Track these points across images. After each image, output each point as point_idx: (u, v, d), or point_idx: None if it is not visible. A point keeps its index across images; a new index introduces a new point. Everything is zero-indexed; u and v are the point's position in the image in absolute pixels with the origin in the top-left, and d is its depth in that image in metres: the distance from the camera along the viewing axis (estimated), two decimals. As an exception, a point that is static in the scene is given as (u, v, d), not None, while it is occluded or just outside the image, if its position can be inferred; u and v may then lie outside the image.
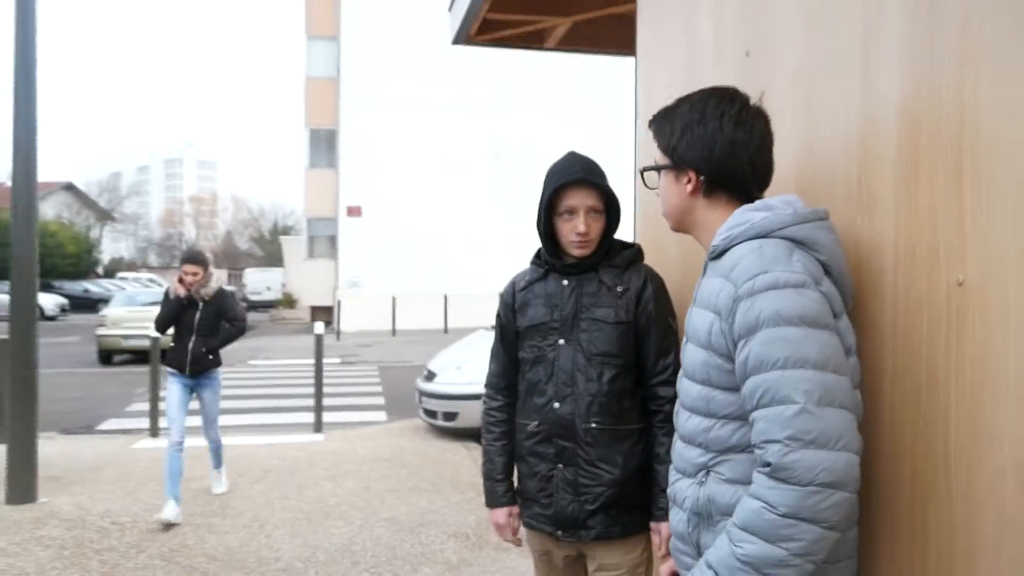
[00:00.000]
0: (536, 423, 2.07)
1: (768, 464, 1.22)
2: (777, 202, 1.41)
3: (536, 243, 2.18)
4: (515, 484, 2.20)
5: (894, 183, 1.36)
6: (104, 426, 9.37)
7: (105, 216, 55.52)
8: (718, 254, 1.41)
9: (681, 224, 1.56)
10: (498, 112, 24.24)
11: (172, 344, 5.45)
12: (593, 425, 1.98)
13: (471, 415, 7.62)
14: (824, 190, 1.56)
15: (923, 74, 1.29)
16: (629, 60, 3.62)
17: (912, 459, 1.32)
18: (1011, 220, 1.12)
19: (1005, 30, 1.14)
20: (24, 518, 5.26)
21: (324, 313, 26.22)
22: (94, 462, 6.96)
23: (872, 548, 1.42)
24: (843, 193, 1.50)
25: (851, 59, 1.46)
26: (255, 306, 36.14)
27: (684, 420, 1.48)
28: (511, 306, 2.18)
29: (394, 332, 22.28)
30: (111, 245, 65.45)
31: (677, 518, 1.49)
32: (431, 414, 8.02)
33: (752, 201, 1.45)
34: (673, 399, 1.63)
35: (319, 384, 8.50)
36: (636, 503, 2.01)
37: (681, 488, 1.48)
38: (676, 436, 1.52)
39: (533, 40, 4.47)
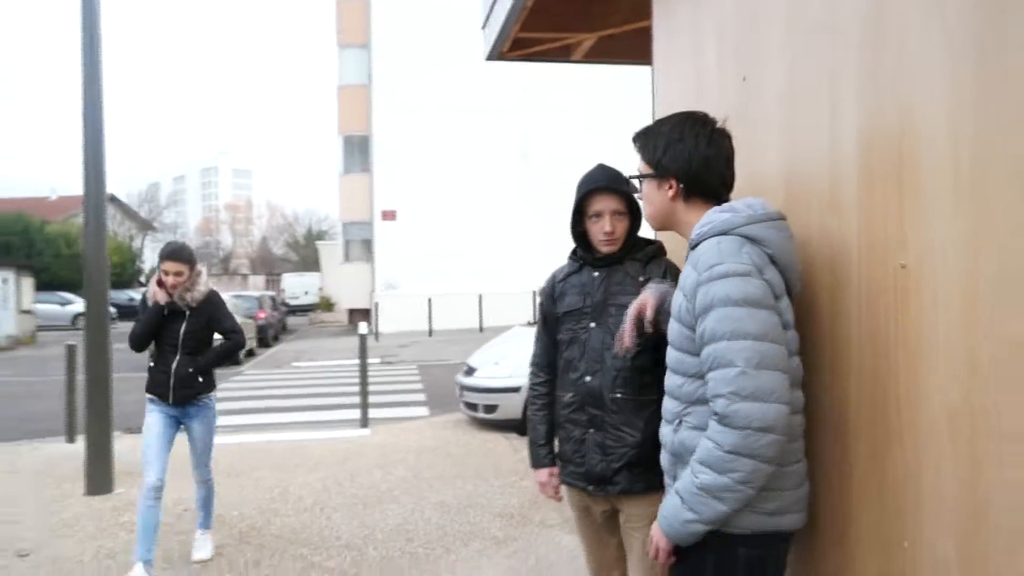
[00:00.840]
0: (571, 395, 2.42)
1: (716, 413, 1.60)
2: (740, 205, 1.77)
3: (565, 242, 2.54)
4: (555, 449, 2.57)
5: (856, 191, 1.69)
6: (163, 425, 9.91)
7: (146, 226, 56.99)
8: (693, 247, 1.77)
9: (663, 224, 1.93)
10: (526, 115, 24.61)
11: (151, 364, 4.37)
12: (618, 395, 2.33)
13: (510, 407, 8.01)
14: (804, 195, 1.90)
15: (872, 104, 1.62)
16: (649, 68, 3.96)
17: (873, 406, 1.66)
18: (936, 219, 1.45)
19: (929, 72, 1.47)
20: (104, 507, 5.75)
21: (361, 315, 26.77)
22: (159, 457, 7.45)
23: (846, 461, 1.76)
24: (818, 198, 1.84)
25: (820, 90, 1.80)
26: (294, 310, 36.98)
27: (667, 378, 1.86)
28: (551, 295, 2.55)
29: (430, 332, 22.77)
30: (151, 255, 67.17)
31: (663, 457, 1.88)
32: (472, 407, 8.41)
33: (721, 203, 1.81)
34: None
35: (364, 381, 8.94)
36: (655, 463, 2.36)
37: (665, 433, 1.86)
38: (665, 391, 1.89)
39: (560, 55, 4.82)
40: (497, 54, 4.75)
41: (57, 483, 6.53)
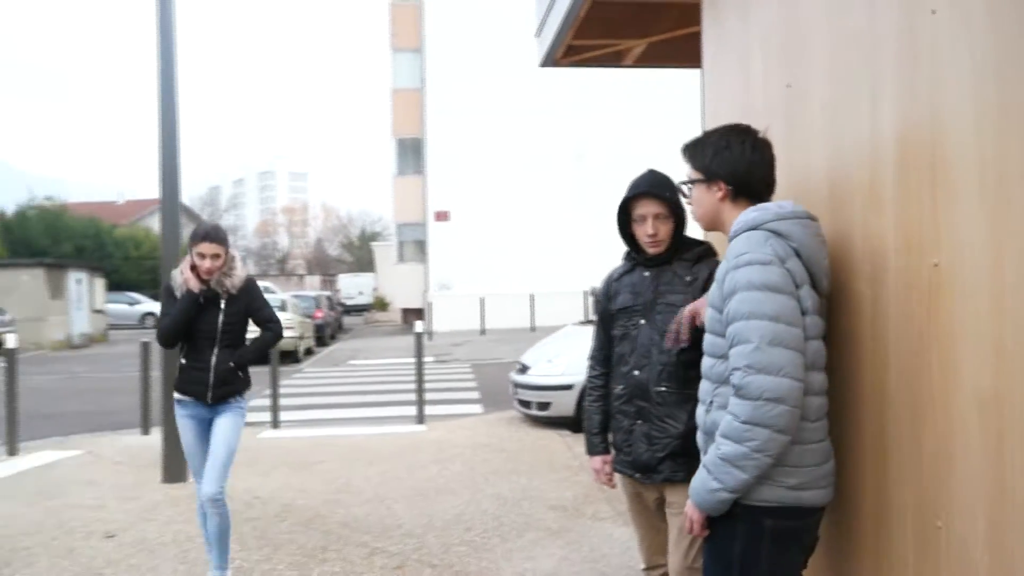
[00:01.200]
0: (622, 387, 2.57)
1: (734, 386, 1.76)
2: (772, 205, 1.94)
3: (618, 243, 2.68)
4: (609, 439, 2.71)
5: (893, 190, 1.81)
6: (230, 420, 10.33)
7: (208, 229, 58.72)
8: (730, 241, 1.94)
9: (711, 224, 2.09)
10: (580, 115, 24.67)
11: (183, 361, 3.96)
12: (663, 388, 2.46)
13: (563, 404, 8.16)
14: (847, 194, 2.01)
15: (907, 110, 1.73)
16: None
17: (911, 394, 1.77)
18: (967, 218, 1.56)
19: (960, 79, 1.58)
20: (181, 494, 6.09)
21: (415, 315, 27.14)
22: (228, 449, 7.82)
23: (881, 445, 1.87)
24: (860, 197, 1.95)
25: (860, 96, 1.91)
26: (349, 310, 37.75)
27: (703, 362, 2.02)
28: (607, 293, 2.71)
29: (483, 331, 23.04)
30: (212, 256, 68.94)
31: (698, 437, 2.05)
32: (525, 404, 8.59)
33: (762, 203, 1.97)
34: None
35: (420, 378, 9.19)
36: (698, 454, 2.49)
37: (699, 414, 2.03)
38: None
39: (612, 60, 4.95)
40: (551, 61, 4.90)
41: (135, 471, 6.92)
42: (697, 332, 2.24)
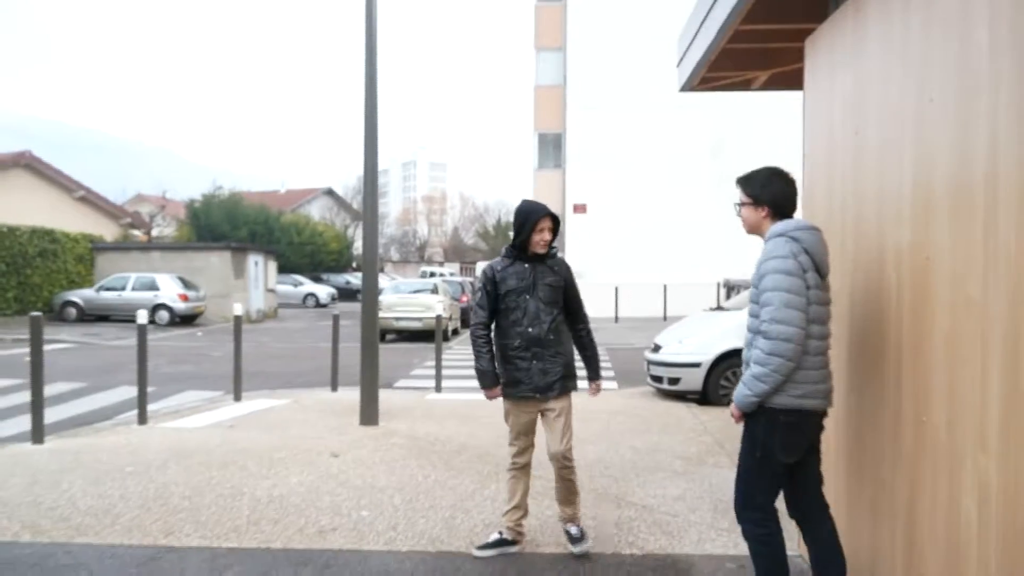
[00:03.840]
0: (518, 341, 4.10)
1: (761, 332, 2.86)
2: (791, 220, 3.02)
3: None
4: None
5: (911, 212, 2.81)
6: (398, 384, 11.99)
7: (358, 217, 62.89)
8: (766, 242, 3.02)
9: (753, 231, 3.17)
10: (715, 111, 25.04)
11: None
12: (551, 338, 4.10)
13: (691, 380, 9.18)
14: (885, 214, 3.02)
15: (922, 160, 2.74)
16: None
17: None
18: (941, 230, 2.57)
19: (949, 149, 2.57)
20: (376, 432, 7.63)
21: (551, 302, 28.37)
22: (403, 406, 9.37)
23: (878, 426, 2.88)
24: (892, 216, 2.96)
25: (900, 147, 2.92)
26: (487, 296, 39.55)
27: (748, 322, 3.08)
28: (494, 280, 4.16)
29: (616, 319, 24.06)
30: (357, 243, 73.69)
31: (743, 368, 3.10)
32: (657, 379, 9.65)
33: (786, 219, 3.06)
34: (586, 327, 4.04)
35: (564, 354, 10.41)
36: (572, 377, 4.17)
37: (744, 352, 3.09)
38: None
39: (741, 86, 5.93)
40: (689, 87, 5.94)
41: (336, 416, 8.57)
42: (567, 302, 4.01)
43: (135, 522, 4.73)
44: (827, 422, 3.43)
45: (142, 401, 8.17)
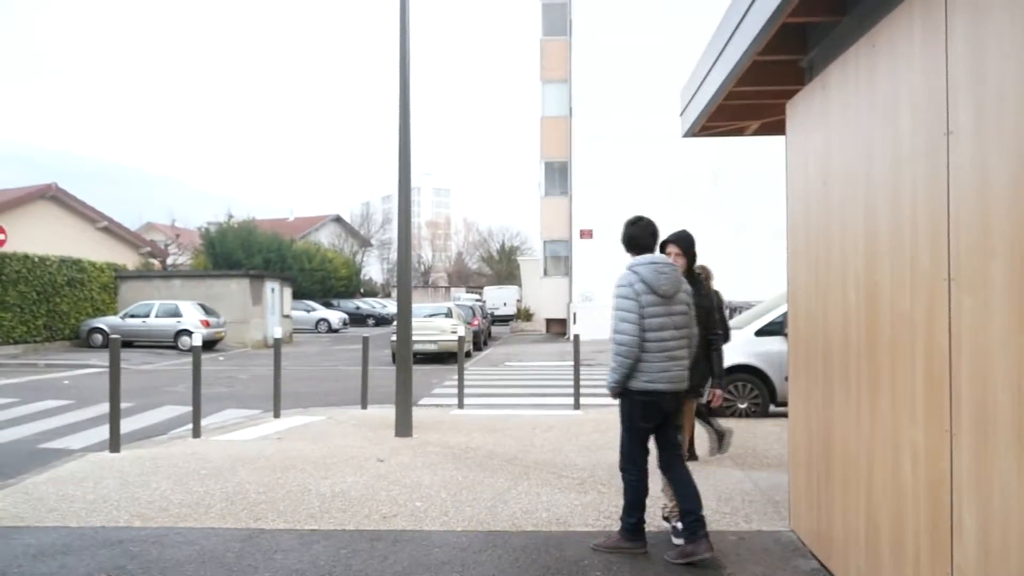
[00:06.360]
0: None
1: (612, 340, 3.98)
2: (639, 257, 4.19)
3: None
4: None
5: (896, 236, 3.67)
6: (422, 402, 12.79)
7: (365, 243, 63.98)
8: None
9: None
10: (715, 140, 26.04)
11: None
12: None
13: (697, 394, 9.96)
14: (876, 241, 3.88)
15: (894, 199, 3.60)
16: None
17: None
18: (977, 246, 3.42)
19: (969, 185, 3.43)
20: (412, 443, 8.44)
21: (558, 325, 29.42)
22: (431, 421, 10.16)
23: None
24: (884, 241, 3.82)
25: (857, 202, 3.78)
26: (495, 320, 40.53)
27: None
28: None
29: (622, 341, 24.87)
30: (368, 269, 74.57)
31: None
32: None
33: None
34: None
35: (577, 370, 11.25)
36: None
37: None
38: None
39: (736, 132, 6.83)
40: (691, 133, 6.84)
41: (371, 430, 9.38)
42: None
43: (226, 511, 5.55)
44: (809, 408, 4.25)
45: (196, 416, 8.99)
